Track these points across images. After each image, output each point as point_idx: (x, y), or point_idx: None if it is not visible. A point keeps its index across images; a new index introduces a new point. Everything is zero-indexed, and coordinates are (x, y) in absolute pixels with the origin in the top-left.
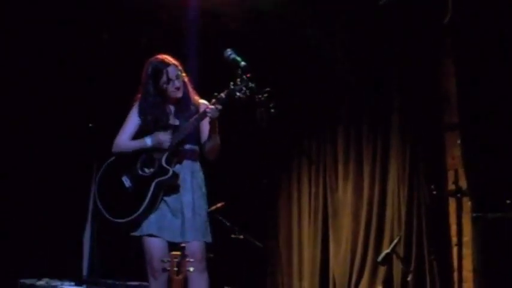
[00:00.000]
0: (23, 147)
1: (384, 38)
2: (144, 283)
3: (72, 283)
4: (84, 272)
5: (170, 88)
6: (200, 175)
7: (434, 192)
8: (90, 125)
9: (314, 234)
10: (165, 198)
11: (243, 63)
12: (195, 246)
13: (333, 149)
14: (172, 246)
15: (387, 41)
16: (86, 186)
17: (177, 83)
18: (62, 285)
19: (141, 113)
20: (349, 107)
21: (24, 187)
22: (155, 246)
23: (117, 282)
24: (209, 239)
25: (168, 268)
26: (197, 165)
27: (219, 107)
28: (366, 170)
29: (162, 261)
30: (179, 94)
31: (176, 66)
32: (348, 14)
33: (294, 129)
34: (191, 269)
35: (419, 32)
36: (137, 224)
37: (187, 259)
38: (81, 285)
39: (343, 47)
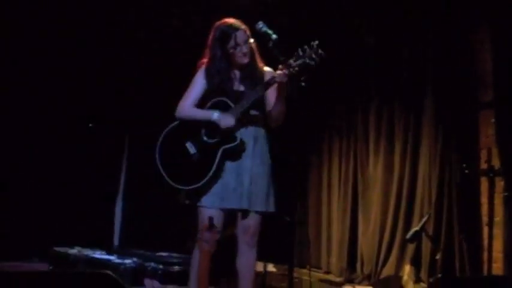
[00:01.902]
0: (55, 122)
1: (417, 17)
2: (174, 254)
3: (103, 252)
4: (115, 241)
5: (237, 53)
6: (264, 142)
7: (467, 171)
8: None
9: (343, 210)
10: (230, 164)
11: (274, 36)
12: (249, 218)
13: (365, 125)
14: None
15: (420, 20)
16: (118, 158)
17: (245, 49)
18: (93, 253)
19: (208, 77)
20: (382, 84)
21: (58, 159)
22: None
23: (147, 253)
24: (268, 208)
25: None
26: (261, 132)
27: (287, 72)
28: (397, 146)
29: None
30: (246, 60)
31: (245, 31)
32: None
33: (325, 104)
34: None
35: (453, 9)
36: (199, 192)
37: (217, 229)
38: (111, 255)
39: (375, 24)
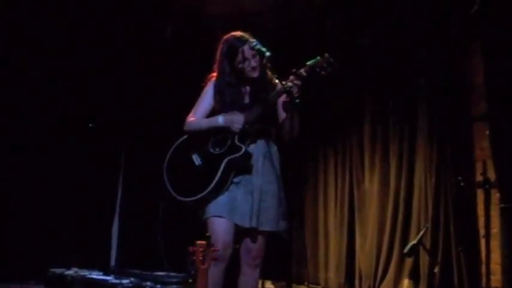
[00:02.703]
0: (51, 140)
1: (409, 29)
2: (171, 273)
3: (100, 273)
4: (112, 262)
5: (246, 68)
6: (274, 157)
7: (462, 184)
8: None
9: (340, 225)
10: (236, 180)
11: (267, 53)
12: (254, 239)
13: (359, 140)
14: (244, 231)
15: (413, 32)
16: (115, 177)
17: (253, 63)
18: (90, 274)
19: (217, 93)
20: (375, 98)
21: (54, 179)
22: (223, 229)
23: (144, 273)
24: (278, 226)
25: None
26: (272, 147)
27: (298, 83)
28: (393, 161)
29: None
30: (255, 74)
31: (259, 44)
32: (374, 6)
33: (320, 120)
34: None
35: (445, 23)
36: (204, 204)
37: (213, 248)
38: (109, 275)
39: (369, 38)
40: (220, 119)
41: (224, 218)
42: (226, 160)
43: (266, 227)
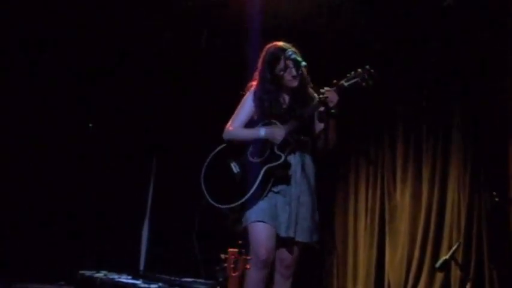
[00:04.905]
0: (84, 144)
1: (445, 44)
2: (199, 280)
3: (129, 277)
4: (141, 266)
5: (287, 76)
6: (311, 168)
7: (497, 199)
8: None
9: (370, 237)
10: (276, 189)
11: (303, 63)
12: (289, 248)
13: (392, 152)
14: (279, 240)
15: (448, 47)
16: (146, 181)
17: (294, 72)
18: (119, 278)
19: (256, 100)
20: (410, 110)
21: (86, 182)
22: (265, 234)
23: (173, 278)
24: (311, 238)
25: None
26: (308, 158)
27: (335, 95)
28: (425, 174)
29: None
30: (295, 83)
31: (295, 54)
32: (409, 18)
33: (352, 131)
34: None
35: (481, 36)
36: (243, 211)
37: (247, 257)
38: (137, 279)
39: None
40: (262, 131)
41: (266, 223)
42: (265, 168)
43: (301, 238)
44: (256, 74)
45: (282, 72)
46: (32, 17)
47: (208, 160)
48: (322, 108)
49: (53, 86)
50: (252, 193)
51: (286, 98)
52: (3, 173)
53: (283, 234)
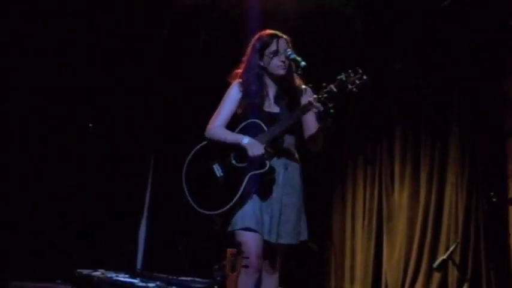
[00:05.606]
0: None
1: (444, 43)
2: (197, 279)
3: (127, 275)
4: (138, 265)
5: (275, 61)
6: (295, 169)
7: (494, 200)
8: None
9: (368, 237)
10: (258, 192)
11: (303, 63)
12: (272, 248)
13: (390, 152)
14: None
15: (447, 47)
16: (143, 179)
17: (283, 58)
18: (116, 276)
19: (243, 85)
20: (407, 110)
21: (83, 181)
22: (253, 241)
23: (170, 277)
24: (297, 239)
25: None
26: (293, 158)
27: (326, 102)
28: (423, 174)
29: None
30: (281, 71)
31: (287, 41)
32: (408, 17)
33: (350, 131)
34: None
35: (480, 36)
36: (228, 216)
37: (243, 255)
38: (135, 278)
39: (402, 49)
40: (245, 140)
41: (253, 229)
42: (249, 175)
43: (284, 240)
44: (244, 60)
45: (271, 56)
46: (32, 17)
47: (189, 158)
48: (322, 108)
49: (53, 86)
50: (236, 201)
51: (273, 91)
52: (2, 173)
53: (265, 237)
